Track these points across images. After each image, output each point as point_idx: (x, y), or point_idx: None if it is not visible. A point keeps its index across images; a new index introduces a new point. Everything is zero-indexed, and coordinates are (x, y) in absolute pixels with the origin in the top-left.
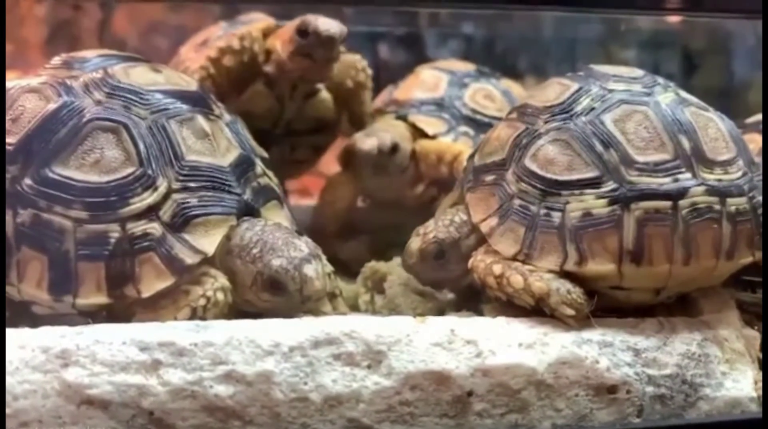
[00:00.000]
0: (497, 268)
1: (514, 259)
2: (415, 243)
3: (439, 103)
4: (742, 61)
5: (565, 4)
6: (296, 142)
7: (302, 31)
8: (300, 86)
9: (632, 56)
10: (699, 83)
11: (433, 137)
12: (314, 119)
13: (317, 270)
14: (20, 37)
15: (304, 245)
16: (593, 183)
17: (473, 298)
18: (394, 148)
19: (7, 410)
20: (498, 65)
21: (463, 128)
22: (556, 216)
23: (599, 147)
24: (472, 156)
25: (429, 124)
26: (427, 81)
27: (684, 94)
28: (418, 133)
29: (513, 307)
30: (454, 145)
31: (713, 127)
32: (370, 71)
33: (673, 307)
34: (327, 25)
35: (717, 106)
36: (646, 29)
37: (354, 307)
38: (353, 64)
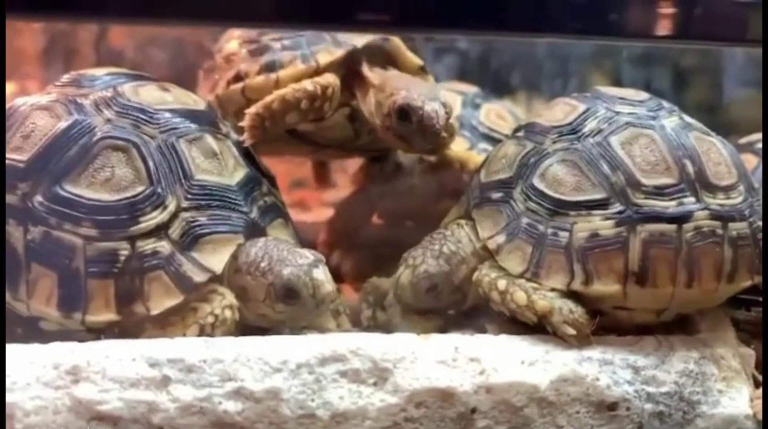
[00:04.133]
0: (502, 284)
1: (520, 277)
2: (405, 277)
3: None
4: (731, 79)
5: (556, 32)
6: (355, 152)
7: (404, 114)
8: None
9: (623, 73)
10: (688, 100)
11: None
12: (383, 146)
13: (326, 273)
14: (17, 48)
15: (308, 253)
16: (600, 204)
17: (474, 315)
18: (398, 168)
19: (18, 426)
20: (492, 81)
21: (483, 145)
22: (564, 236)
23: (606, 169)
24: (477, 172)
25: (454, 141)
26: None
27: (687, 118)
28: None
29: (515, 324)
30: (476, 155)
31: (716, 152)
32: (455, 128)
33: (671, 326)
34: (433, 116)
35: (705, 123)
36: (637, 46)
37: (356, 324)
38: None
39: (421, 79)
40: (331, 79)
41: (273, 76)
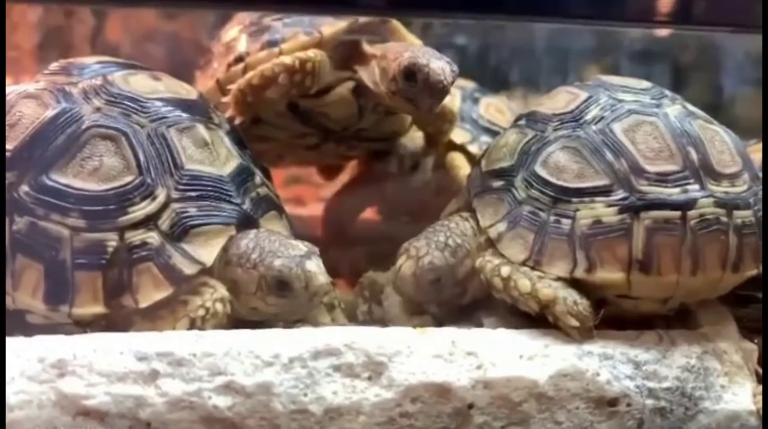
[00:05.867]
0: (505, 271)
1: (522, 265)
2: (408, 268)
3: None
4: (731, 75)
5: (555, 16)
6: (356, 145)
7: (410, 74)
8: None
9: (622, 70)
10: (688, 97)
11: (461, 146)
12: (386, 131)
13: (319, 265)
14: (13, 43)
15: (302, 244)
16: (603, 191)
17: (471, 309)
18: (415, 166)
19: None
20: (490, 76)
21: (484, 138)
22: (566, 223)
23: (609, 156)
24: (478, 162)
25: (456, 134)
26: None
27: (690, 107)
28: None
29: (513, 318)
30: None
31: (719, 140)
32: (456, 114)
33: (672, 320)
34: (439, 73)
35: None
36: (637, 42)
37: (352, 318)
38: (443, 115)
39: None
40: (312, 53)
41: (276, 49)
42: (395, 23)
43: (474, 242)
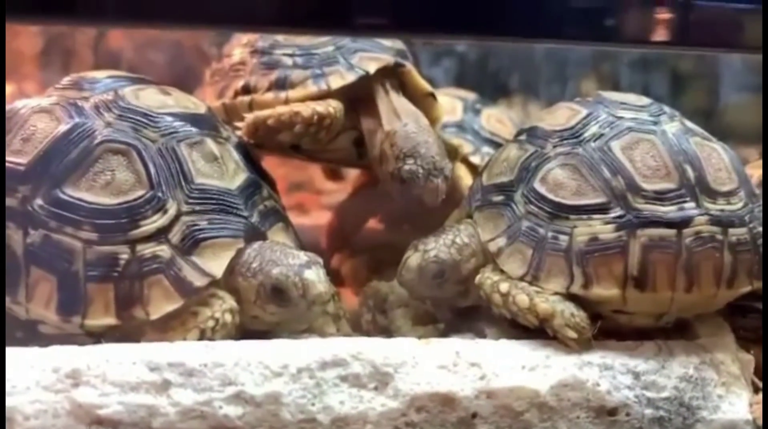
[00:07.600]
0: (504, 287)
1: (521, 280)
2: (414, 259)
3: (459, 125)
4: (728, 84)
5: (553, 37)
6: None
7: (406, 184)
8: None
9: (621, 78)
10: (685, 105)
11: (463, 157)
12: None
13: (318, 274)
14: (15, 49)
15: (303, 254)
16: (601, 209)
17: (473, 319)
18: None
19: None
20: (489, 84)
21: (486, 149)
22: (564, 239)
23: (607, 173)
24: (480, 174)
25: (459, 145)
26: (444, 105)
27: (689, 123)
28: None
29: (515, 328)
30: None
31: (716, 158)
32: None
33: (671, 331)
34: (433, 190)
35: (701, 128)
36: (635, 50)
37: (356, 328)
38: None
39: (431, 133)
40: (331, 108)
41: (282, 95)
42: (408, 67)
43: (480, 246)
